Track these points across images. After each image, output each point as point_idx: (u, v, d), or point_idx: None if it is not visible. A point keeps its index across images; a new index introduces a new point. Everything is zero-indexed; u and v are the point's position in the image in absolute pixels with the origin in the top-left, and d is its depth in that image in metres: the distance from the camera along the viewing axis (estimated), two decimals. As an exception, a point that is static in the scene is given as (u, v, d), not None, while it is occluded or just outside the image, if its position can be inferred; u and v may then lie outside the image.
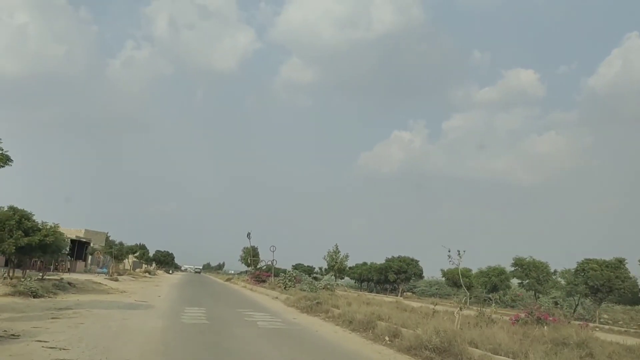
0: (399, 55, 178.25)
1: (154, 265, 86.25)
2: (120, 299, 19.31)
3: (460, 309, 10.94)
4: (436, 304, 16.63)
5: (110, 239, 60.71)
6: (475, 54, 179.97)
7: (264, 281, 38.17)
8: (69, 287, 22.45)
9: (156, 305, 17.58)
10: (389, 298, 33.81)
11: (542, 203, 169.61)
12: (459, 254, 11.60)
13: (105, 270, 36.15)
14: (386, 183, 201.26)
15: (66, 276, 29.41)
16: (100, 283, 26.00)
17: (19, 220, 17.59)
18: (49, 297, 16.98)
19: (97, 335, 9.56)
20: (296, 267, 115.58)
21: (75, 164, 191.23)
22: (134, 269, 73.39)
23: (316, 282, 16.86)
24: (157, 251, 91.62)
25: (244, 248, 53.79)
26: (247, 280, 43.52)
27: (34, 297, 16.06)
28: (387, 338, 10.70)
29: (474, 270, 42.53)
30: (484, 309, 17.56)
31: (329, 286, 20.74)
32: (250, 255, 46.13)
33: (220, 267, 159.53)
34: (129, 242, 71.92)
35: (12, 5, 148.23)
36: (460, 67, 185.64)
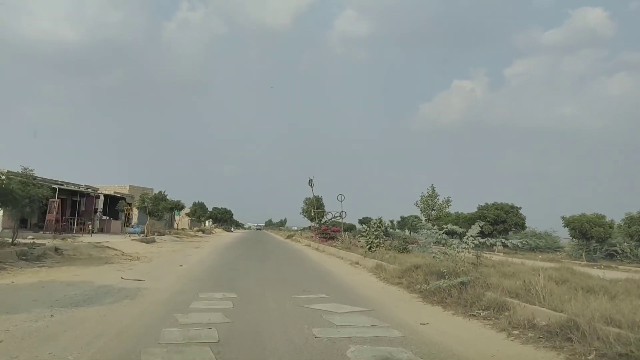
0: (458, 0, 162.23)
1: (209, 223, 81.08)
2: (105, 276, 11.46)
3: None
4: None
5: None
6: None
7: (332, 238, 30.07)
8: (51, 255, 15.17)
9: (152, 289, 9.55)
10: (495, 255, 24.55)
11: (612, 148, 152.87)
12: None
13: (137, 229, 29.46)
14: (447, 134, 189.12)
15: (85, 238, 22.67)
16: (108, 247, 18.69)
17: None
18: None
19: None
20: (363, 221, 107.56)
21: (138, 127, 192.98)
22: (191, 228, 68.33)
23: (455, 245, 8.53)
24: (215, 208, 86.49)
25: (306, 199, 45.95)
26: (312, 237, 35.58)
27: None
28: None
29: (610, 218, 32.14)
30: None
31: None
32: (314, 207, 37.93)
33: (282, 223, 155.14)
34: (188, 201, 66.21)
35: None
36: (523, 10, 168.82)
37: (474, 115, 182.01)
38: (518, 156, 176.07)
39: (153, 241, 29.23)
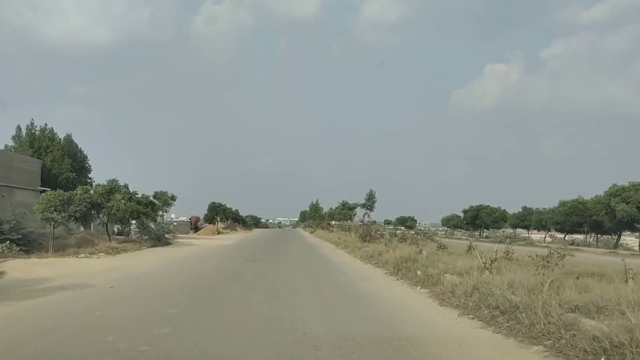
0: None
1: (220, 224, 66.11)
2: None
3: None
4: None
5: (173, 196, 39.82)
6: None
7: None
8: None
9: None
10: None
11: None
12: None
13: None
14: (482, 121, 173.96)
15: None
16: None
17: None
18: None
19: None
20: (401, 220, 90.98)
21: (168, 125, 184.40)
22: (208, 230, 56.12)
23: None
24: (212, 202, 72.05)
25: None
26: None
27: None
28: None
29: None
30: None
31: None
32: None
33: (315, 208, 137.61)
34: (217, 200, 51.76)
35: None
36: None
37: (509, 100, 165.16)
38: (557, 141, 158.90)
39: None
